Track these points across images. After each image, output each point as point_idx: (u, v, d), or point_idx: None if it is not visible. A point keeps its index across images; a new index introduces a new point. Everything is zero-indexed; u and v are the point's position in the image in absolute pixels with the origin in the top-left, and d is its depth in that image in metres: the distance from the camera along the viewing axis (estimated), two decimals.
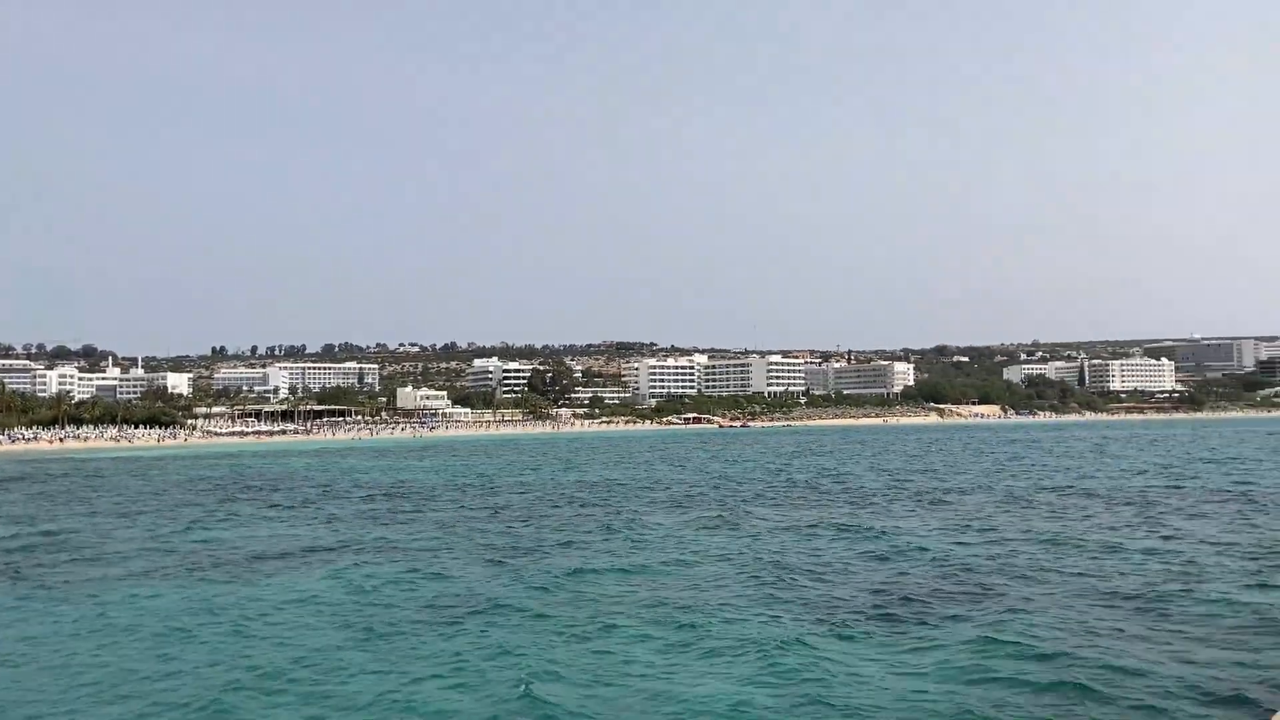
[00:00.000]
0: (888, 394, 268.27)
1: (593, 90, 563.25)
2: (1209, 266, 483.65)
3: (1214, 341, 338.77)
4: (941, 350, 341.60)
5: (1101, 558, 21.31)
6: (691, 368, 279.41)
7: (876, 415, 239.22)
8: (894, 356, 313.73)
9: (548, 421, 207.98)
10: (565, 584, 19.45)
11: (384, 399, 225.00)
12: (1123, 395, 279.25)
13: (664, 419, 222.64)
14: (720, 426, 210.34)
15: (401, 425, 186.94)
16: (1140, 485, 41.71)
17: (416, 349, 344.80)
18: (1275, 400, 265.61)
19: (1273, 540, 23.37)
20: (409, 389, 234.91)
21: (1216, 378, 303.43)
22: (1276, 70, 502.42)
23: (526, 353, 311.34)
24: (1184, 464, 56.36)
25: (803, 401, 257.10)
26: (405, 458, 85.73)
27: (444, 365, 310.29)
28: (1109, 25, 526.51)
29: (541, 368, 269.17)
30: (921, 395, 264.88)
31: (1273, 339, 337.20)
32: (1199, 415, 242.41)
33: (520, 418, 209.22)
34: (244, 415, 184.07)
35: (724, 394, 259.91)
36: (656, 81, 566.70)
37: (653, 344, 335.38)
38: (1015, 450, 79.71)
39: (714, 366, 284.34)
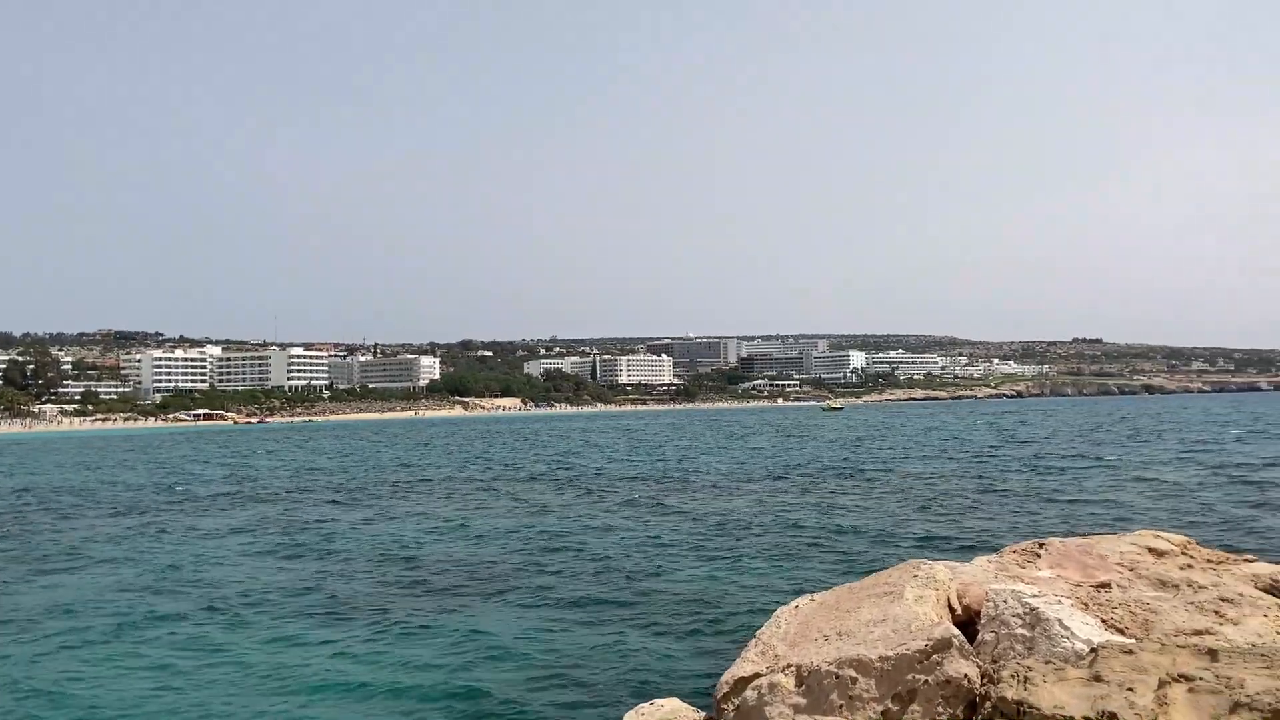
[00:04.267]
0: (414, 387, 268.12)
1: (109, 71, 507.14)
2: (704, 275, 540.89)
3: (705, 340, 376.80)
4: (467, 345, 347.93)
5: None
6: (203, 360, 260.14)
7: (403, 409, 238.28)
8: (420, 350, 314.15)
9: (28, 419, 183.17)
10: None
11: None
12: (629, 388, 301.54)
13: (171, 415, 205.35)
14: (235, 423, 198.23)
15: None
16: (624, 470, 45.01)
17: None
18: (751, 392, 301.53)
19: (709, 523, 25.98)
20: None
21: (707, 372, 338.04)
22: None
23: (3, 341, 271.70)
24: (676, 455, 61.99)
25: (326, 396, 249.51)
26: None
27: None
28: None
29: (21, 358, 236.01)
30: (447, 389, 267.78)
31: (751, 338, 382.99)
32: (691, 405, 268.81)
33: None
34: None
35: (240, 388, 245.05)
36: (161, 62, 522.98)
37: (159, 334, 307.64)
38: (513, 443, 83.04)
39: (229, 359, 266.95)
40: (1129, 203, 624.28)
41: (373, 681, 11.50)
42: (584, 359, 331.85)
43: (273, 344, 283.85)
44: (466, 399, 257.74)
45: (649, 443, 74.12)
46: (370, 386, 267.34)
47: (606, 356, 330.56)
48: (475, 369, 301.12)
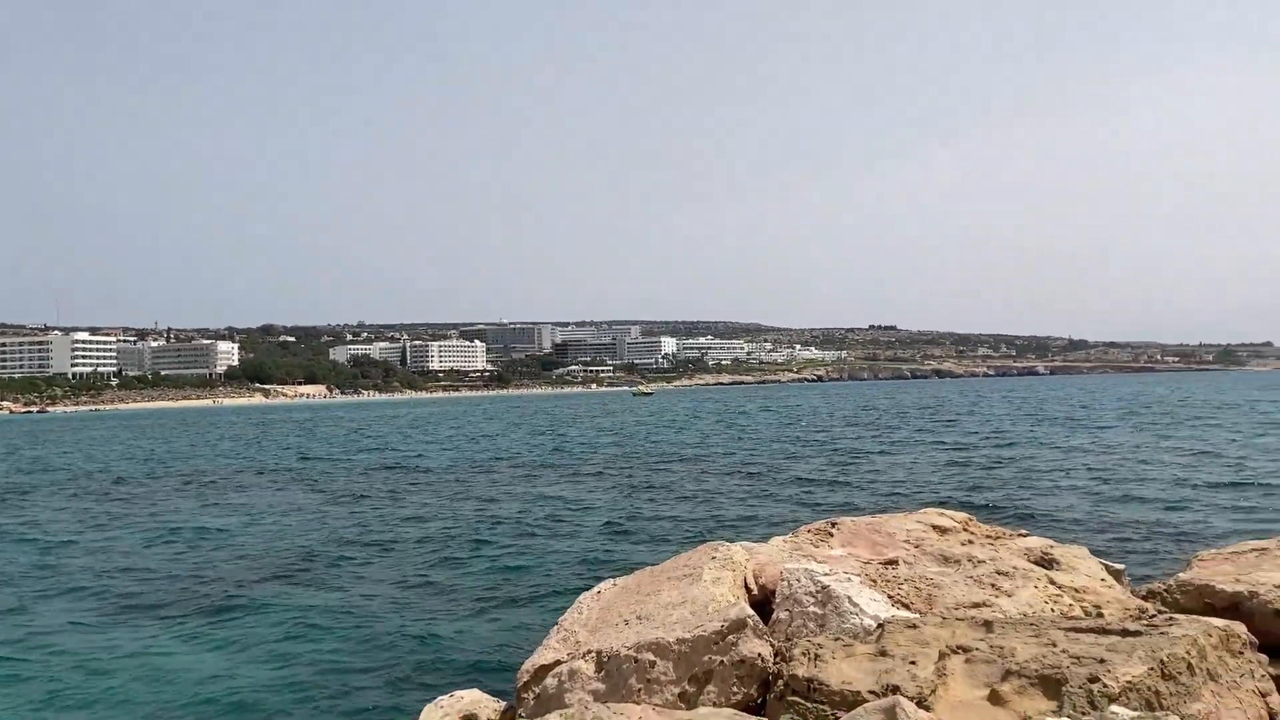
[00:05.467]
0: (211, 374, 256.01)
1: None
2: (518, 261, 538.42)
3: (519, 326, 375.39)
4: (268, 330, 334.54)
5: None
6: None
7: (199, 397, 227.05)
8: (218, 335, 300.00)
9: None
10: None
11: None
12: (441, 375, 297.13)
13: None
14: (11, 413, 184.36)
15: None
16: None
17: None
18: (566, 378, 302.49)
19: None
20: None
21: (521, 358, 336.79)
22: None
23: None
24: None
25: (114, 383, 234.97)
26: None
27: None
28: None
29: None
30: (247, 375, 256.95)
31: (565, 324, 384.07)
32: (505, 392, 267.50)
33: None
34: None
35: (17, 375, 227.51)
36: None
37: None
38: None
39: (3, 344, 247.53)
40: (918, 195, 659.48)
41: None
42: (394, 345, 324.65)
43: (54, 328, 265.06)
44: (268, 386, 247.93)
45: (443, 429, 73.25)
46: (164, 373, 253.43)
47: (417, 342, 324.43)
48: (277, 355, 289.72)
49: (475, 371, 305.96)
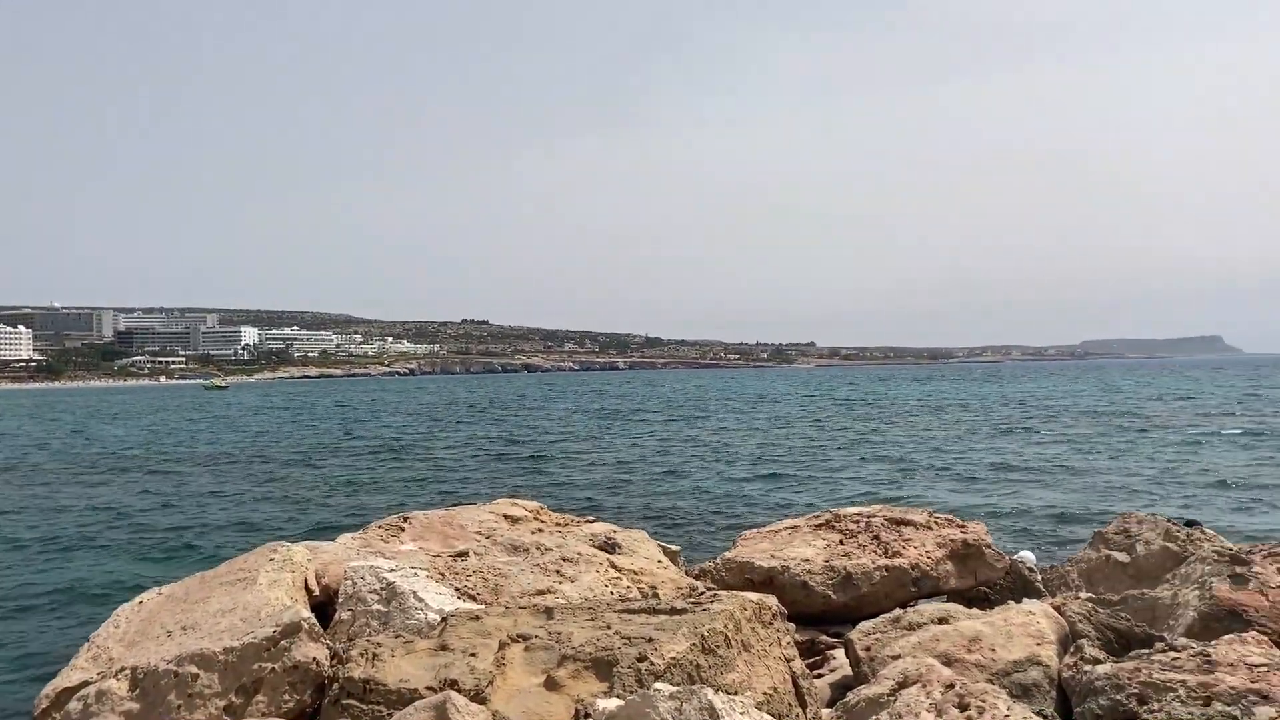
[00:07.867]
0: None
1: None
2: (75, 236, 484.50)
3: (74, 311, 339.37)
4: None
5: None
6: None
7: None
8: None
9: None
10: None
11: None
12: None
13: None
14: None
15: None
16: None
17: None
18: (131, 369, 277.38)
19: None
20: None
21: (77, 347, 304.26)
22: None
23: None
24: None
25: None
26: None
27: None
28: None
29: None
30: None
31: (131, 310, 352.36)
32: (56, 384, 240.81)
33: None
34: None
35: None
36: None
37: None
38: None
39: None
40: (510, 199, 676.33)
41: None
42: None
43: None
44: None
45: None
46: None
47: None
48: None
49: (19, 361, 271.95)
